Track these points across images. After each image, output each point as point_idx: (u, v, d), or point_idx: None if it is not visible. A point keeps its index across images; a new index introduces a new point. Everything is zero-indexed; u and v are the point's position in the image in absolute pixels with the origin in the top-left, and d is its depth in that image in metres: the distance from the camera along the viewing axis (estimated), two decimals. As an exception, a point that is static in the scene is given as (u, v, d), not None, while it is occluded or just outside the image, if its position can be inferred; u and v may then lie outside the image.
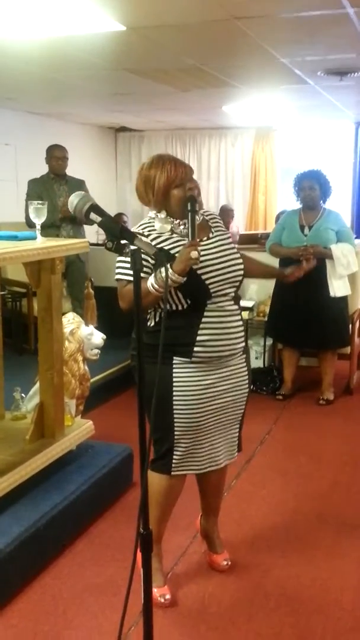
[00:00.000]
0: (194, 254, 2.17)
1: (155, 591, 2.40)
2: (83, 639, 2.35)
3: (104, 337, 3.40)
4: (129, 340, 2.45)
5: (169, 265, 2.12)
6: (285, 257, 4.57)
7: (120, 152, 9.80)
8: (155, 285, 2.20)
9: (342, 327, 4.82)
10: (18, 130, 7.33)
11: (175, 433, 2.40)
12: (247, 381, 2.53)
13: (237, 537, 2.99)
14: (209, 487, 2.70)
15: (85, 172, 6.38)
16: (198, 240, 2.32)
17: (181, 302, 2.33)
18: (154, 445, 2.46)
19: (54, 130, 7.56)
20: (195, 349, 2.35)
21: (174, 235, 2.38)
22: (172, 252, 2.27)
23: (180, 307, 2.34)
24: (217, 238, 2.45)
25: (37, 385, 3.22)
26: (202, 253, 2.28)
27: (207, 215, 2.53)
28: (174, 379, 2.37)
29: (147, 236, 2.34)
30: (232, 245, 2.48)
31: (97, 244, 5.85)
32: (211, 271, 2.34)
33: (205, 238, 2.42)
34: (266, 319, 5.13)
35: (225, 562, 2.74)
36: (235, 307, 2.45)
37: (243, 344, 2.49)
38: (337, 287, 4.64)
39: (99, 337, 3.37)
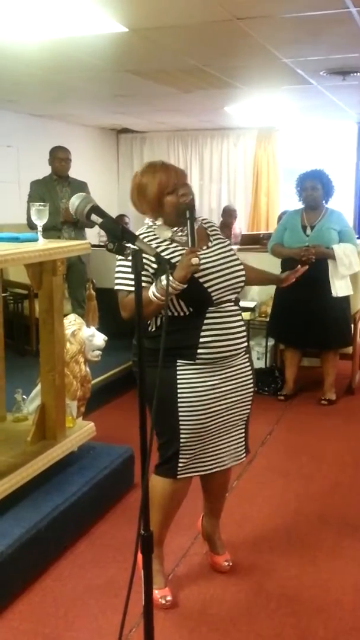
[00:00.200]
0: (194, 260, 2.17)
1: (156, 592, 2.40)
2: (84, 641, 2.35)
3: (105, 338, 3.40)
4: (130, 341, 2.44)
5: (169, 273, 2.12)
6: (287, 257, 4.58)
7: (122, 153, 9.79)
8: (157, 294, 2.20)
9: (344, 327, 4.81)
10: (20, 132, 7.35)
11: (182, 436, 2.39)
12: (251, 381, 2.53)
13: (239, 538, 2.99)
14: (214, 487, 2.69)
15: (87, 173, 6.39)
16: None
17: (183, 309, 2.33)
18: (159, 450, 2.45)
19: (56, 132, 7.57)
20: (199, 350, 2.35)
21: (174, 243, 2.38)
22: (172, 260, 2.27)
23: (182, 314, 2.34)
24: (217, 246, 2.45)
25: (39, 386, 3.23)
26: (203, 261, 2.28)
27: (205, 224, 2.53)
28: (178, 382, 2.36)
29: None
30: (233, 252, 2.48)
31: (99, 245, 5.85)
32: (213, 278, 2.34)
33: (204, 247, 2.42)
34: (268, 319, 5.12)
35: (226, 563, 2.74)
36: (236, 307, 2.45)
37: (245, 343, 2.49)
38: (339, 287, 4.64)
39: (100, 339, 3.38)
